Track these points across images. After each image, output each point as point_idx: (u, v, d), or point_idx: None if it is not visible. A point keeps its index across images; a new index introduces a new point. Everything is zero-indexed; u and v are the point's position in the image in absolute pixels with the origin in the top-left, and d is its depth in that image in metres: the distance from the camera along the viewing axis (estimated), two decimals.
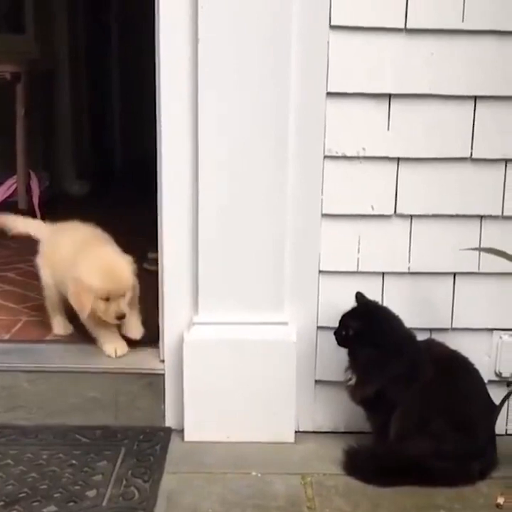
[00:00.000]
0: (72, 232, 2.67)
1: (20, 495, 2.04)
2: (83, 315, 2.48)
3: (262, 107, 2.20)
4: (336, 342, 2.23)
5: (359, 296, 2.23)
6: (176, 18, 2.18)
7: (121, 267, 2.49)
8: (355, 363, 2.23)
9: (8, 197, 4.31)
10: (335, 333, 2.24)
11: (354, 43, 2.19)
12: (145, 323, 2.58)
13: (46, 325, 2.72)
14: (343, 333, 2.21)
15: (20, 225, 2.79)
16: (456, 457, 2.11)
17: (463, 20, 2.17)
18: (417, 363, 2.18)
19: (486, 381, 2.26)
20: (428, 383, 2.16)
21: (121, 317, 2.46)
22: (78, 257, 2.50)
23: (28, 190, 4.30)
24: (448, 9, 2.17)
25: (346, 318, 2.22)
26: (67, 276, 2.50)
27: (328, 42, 2.18)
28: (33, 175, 4.34)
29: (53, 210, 4.21)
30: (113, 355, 2.50)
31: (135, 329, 2.57)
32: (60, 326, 2.70)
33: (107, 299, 2.44)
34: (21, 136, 4.25)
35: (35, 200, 4.28)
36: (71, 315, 2.63)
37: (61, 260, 2.58)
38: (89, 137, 5.25)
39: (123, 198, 4.63)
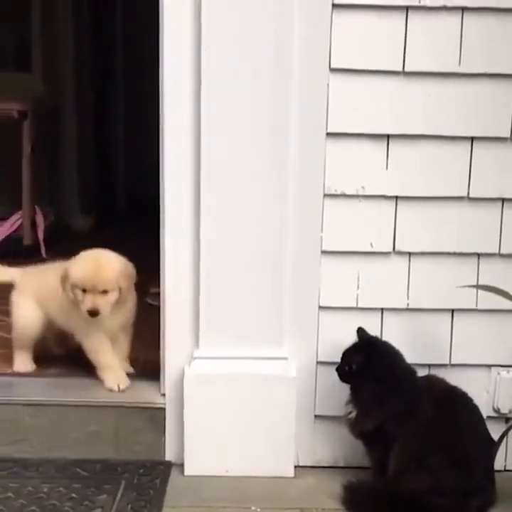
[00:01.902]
0: (50, 265, 2.70)
1: None
2: (67, 303, 2.49)
3: (264, 147, 2.24)
4: (338, 377, 2.25)
5: (360, 332, 2.26)
6: (179, 62, 2.24)
7: (106, 263, 2.49)
8: (356, 397, 2.24)
9: (13, 232, 4.34)
10: (337, 369, 2.25)
11: (353, 85, 2.24)
12: (145, 356, 2.60)
13: (44, 358, 2.72)
14: (346, 368, 2.23)
15: None
16: (455, 493, 2.11)
17: (459, 64, 2.22)
18: (417, 399, 2.19)
19: (484, 417, 2.28)
20: (427, 419, 2.17)
21: (93, 312, 2.43)
22: None
23: (33, 225, 4.34)
24: (445, 53, 2.22)
25: (349, 353, 2.24)
26: (54, 304, 2.56)
27: (327, 84, 2.23)
28: (38, 210, 4.38)
29: (58, 245, 4.25)
30: (115, 389, 2.51)
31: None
32: (23, 362, 2.68)
33: (84, 291, 2.44)
34: (27, 173, 4.29)
35: (40, 236, 4.31)
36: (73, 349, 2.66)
37: (49, 291, 2.60)
38: (93, 173, 5.30)
39: (126, 233, 4.66)
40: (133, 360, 2.68)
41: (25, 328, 2.67)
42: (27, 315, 2.65)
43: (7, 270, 2.76)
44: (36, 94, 4.55)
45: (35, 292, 2.66)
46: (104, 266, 2.48)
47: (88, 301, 2.44)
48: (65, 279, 2.48)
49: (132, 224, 4.94)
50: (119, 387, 2.51)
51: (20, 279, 2.70)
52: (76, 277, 2.46)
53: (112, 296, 2.47)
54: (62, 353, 2.74)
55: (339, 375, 2.25)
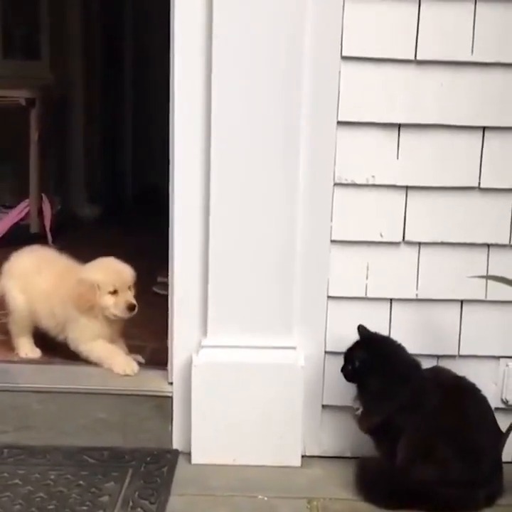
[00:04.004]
0: (42, 252, 2.72)
1: None
2: (93, 312, 2.50)
3: (274, 135, 2.24)
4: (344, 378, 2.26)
5: (361, 329, 2.26)
6: (190, 46, 2.22)
7: (119, 262, 2.57)
8: (362, 394, 2.25)
9: (21, 220, 4.34)
10: (342, 370, 2.26)
11: (365, 74, 2.23)
12: (153, 345, 2.60)
13: (50, 346, 2.72)
14: (350, 367, 2.24)
15: None
16: (462, 484, 2.11)
17: (472, 53, 2.21)
18: (423, 391, 2.19)
19: (492, 408, 2.27)
20: (434, 410, 2.17)
21: (132, 308, 2.50)
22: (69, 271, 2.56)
23: (40, 213, 4.34)
24: (457, 42, 2.21)
25: (351, 351, 2.25)
26: (46, 295, 2.57)
27: (339, 72, 2.22)
28: (45, 198, 4.38)
29: (64, 233, 4.26)
30: (128, 372, 2.51)
31: None
32: (28, 348, 2.68)
33: (115, 292, 2.49)
34: (34, 161, 4.29)
35: (47, 224, 4.31)
36: None
37: (38, 281, 2.61)
38: (101, 162, 5.30)
39: (133, 223, 4.67)
40: (141, 348, 2.68)
41: (19, 312, 2.66)
42: (18, 297, 2.65)
43: None
44: (44, 82, 4.55)
45: (23, 282, 2.65)
46: (121, 265, 2.57)
47: (122, 299, 2.50)
48: (93, 289, 2.49)
49: (139, 213, 4.95)
50: (129, 372, 2.51)
51: (10, 262, 2.70)
52: (106, 280, 2.50)
53: (133, 291, 2.55)
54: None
55: (345, 375, 2.26)
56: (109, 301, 2.51)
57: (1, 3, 4.77)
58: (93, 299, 2.50)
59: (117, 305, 2.51)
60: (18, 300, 2.65)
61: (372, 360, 2.21)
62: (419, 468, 2.14)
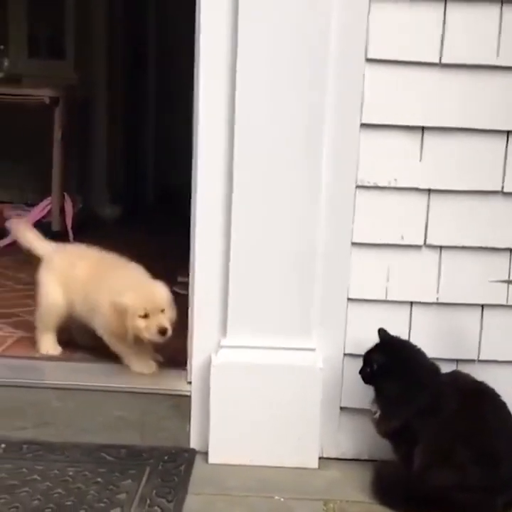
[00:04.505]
0: (87, 253, 2.71)
1: (46, 510, 2.05)
2: (127, 338, 2.49)
3: (298, 136, 2.24)
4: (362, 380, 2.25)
5: (382, 332, 2.25)
6: (215, 47, 2.22)
7: (153, 283, 2.53)
8: (380, 398, 2.24)
9: (42, 218, 4.38)
10: (360, 372, 2.25)
11: (389, 76, 2.22)
12: (172, 344, 2.60)
13: (70, 343, 2.74)
14: (368, 369, 2.23)
15: (29, 240, 2.77)
16: (481, 490, 2.10)
17: (497, 56, 2.20)
18: (441, 396, 2.18)
19: None
20: (453, 414, 2.16)
21: (163, 331, 2.46)
22: (106, 279, 2.53)
23: (62, 212, 4.37)
24: (483, 45, 2.20)
25: (370, 354, 2.24)
26: (87, 297, 2.56)
27: (363, 74, 2.22)
28: (67, 197, 4.42)
29: (85, 232, 4.28)
30: (145, 371, 2.52)
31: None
32: (50, 345, 2.70)
33: (146, 316, 2.45)
34: (57, 159, 4.33)
35: (69, 222, 4.35)
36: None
37: (79, 280, 2.61)
38: (123, 162, 5.33)
39: (154, 223, 4.70)
40: (160, 347, 2.68)
41: (50, 310, 2.68)
42: (52, 293, 2.66)
43: (43, 244, 2.77)
44: (68, 82, 4.59)
45: (62, 276, 2.67)
46: (154, 285, 2.52)
47: (154, 325, 2.45)
48: (123, 312, 2.46)
49: (160, 214, 4.98)
50: (147, 371, 2.52)
51: (51, 257, 2.71)
52: (136, 305, 2.45)
53: (169, 313, 2.51)
54: (86, 344, 2.74)
55: (362, 377, 2.25)
56: (140, 324, 2.47)
57: (27, 4, 4.82)
58: (124, 323, 2.46)
59: (149, 329, 2.47)
60: (54, 294, 2.66)
61: (391, 364, 2.20)
62: (437, 473, 2.12)
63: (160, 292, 2.51)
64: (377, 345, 2.24)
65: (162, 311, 2.49)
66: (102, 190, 5.09)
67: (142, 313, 2.46)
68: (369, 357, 2.24)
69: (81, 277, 2.61)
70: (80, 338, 2.77)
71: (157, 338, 2.49)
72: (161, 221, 4.64)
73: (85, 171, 5.00)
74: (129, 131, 5.39)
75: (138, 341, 2.52)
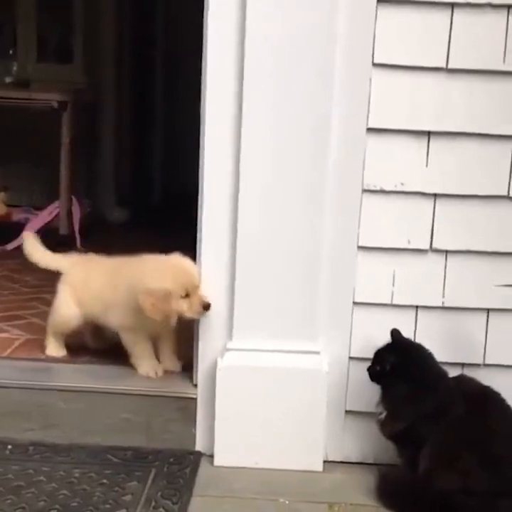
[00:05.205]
0: (101, 262, 2.70)
1: (52, 511, 2.06)
2: (171, 322, 2.44)
3: (304, 141, 2.25)
4: (368, 377, 2.25)
5: (395, 333, 2.25)
6: (222, 53, 2.24)
7: (183, 261, 2.46)
8: (387, 398, 2.24)
9: (50, 222, 4.40)
10: (369, 369, 2.25)
11: (396, 81, 2.23)
12: (179, 348, 2.62)
13: (77, 346, 2.75)
14: (378, 368, 2.23)
15: (43, 259, 2.77)
16: (485, 494, 2.09)
17: (504, 62, 2.21)
18: (448, 400, 2.18)
19: None
20: (458, 419, 2.15)
21: (207, 307, 2.38)
22: (128, 271, 2.51)
23: (70, 216, 4.39)
24: (489, 51, 2.21)
25: (382, 353, 2.23)
26: (101, 302, 2.56)
27: (370, 79, 2.23)
28: (74, 201, 4.43)
29: (93, 235, 4.30)
30: (153, 375, 2.53)
31: (173, 363, 2.61)
32: (55, 348, 2.71)
33: (187, 295, 2.41)
34: (65, 163, 4.35)
35: (76, 226, 4.37)
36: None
37: (95, 290, 2.61)
38: (130, 166, 5.35)
39: (161, 226, 4.70)
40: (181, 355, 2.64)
41: (62, 322, 2.69)
42: (65, 310, 2.67)
43: (56, 258, 2.76)
44: (77, 86, 4.61)
45: (78, 287, 2.67)
46: (188, 264, 2.45)
47: (196, 301, 2.39)
48: (165, 298, 2.39)
49: (168, 217, 4.98)
50: (152, 374, 2.53)
51: (68, 270, 2.71)
52: (177, 286, 2.40)
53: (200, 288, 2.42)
54: (97, 347, 2.75)
55: (370, 374, 2.25)
56: (183, 305, 2.41)
57: (36, 8, 4.84)
58: (169, 308, 2.41)
59: (191, 308, 2.40)
60: (68, 309, 2.66)
61: (402, 365, 2.20)
62: (442, 478, 2.12)
63: (194, 269, 2.42)
64: (389, 345, 2.24)
65: (198, 287, 2.42)
66: (109, 194, 5.11)
67: (184, 294, 2.41)
68: (380, 356, 2.23)
69: (97, 287, 2.61)
70: (92, 342, 2.77)
71: (202, 315, 2.40)
72: (169, 224, 4.65)
73: (93, 175, 5.01)
74: (136, 134, 5.41)
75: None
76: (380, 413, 2.25)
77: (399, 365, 2.20)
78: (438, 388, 2.19)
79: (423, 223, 2.31)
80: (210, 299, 2.38)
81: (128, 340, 2.56)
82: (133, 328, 2.53)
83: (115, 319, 2.56)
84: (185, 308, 2.41)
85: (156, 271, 2.45)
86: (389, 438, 2.26)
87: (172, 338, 2.61)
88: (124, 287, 2.49)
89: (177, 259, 2.48)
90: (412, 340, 2.29)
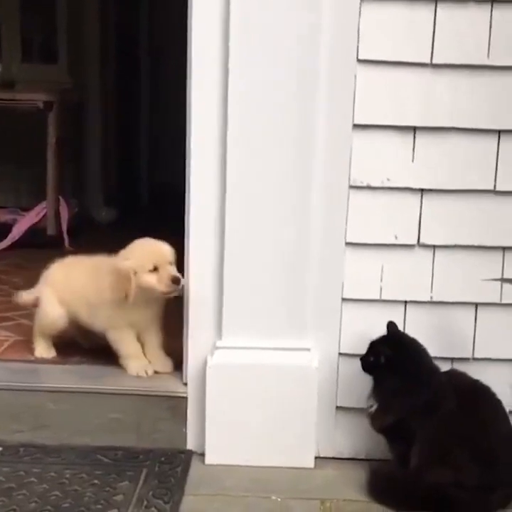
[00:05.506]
0: (81, 260, 2.70)
1: None
2: (129, 299, 2.44)
3: (290, 137, 2.25)
4: (360, 367, 2.25)
5: (391, 325, 2.25)
6: (207, 50, 2.23)
7: (156, 241, 2.50)
8: (379, 390, 2.24)
9: (37, 223, 4.38)
10: (362, 359, 2.25)
11: (381, 77, 2.23)
12: (168, 347, 2.61)
13: (67, 346, 2.74)
14: (372, 359, 2.23)
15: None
16: (477, 488, 2.10)
17: (488, 56, 2.21)
18: (440, 395, 2.19)
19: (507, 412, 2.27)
20: (449, 413, 2.16)
21: (176, 281, 2.40)
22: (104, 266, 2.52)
23: (57, 216, 4.37)
24: (473, 45, 2.21)
25: (378, 344, 2.24)
26: (81, 294, 2.56)
27: (355, 75, 2.23)
28: (62, 201, 4.42)
29: (81, 235, 4.29)
30: (141, 375, 2.52)
31: (163, 362, 2.59)
32: (44, 349, 2.70)
33: (155, 269, 2.42)
34: (52, 164, 4.33)
35: (64, 226, 4.35)
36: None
37: (78, 288, 2.61)
38: (117, 165, 5.34)
39: (149, 226, 4.68)
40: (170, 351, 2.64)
41: (48, 324, 2.68)
42: (52, 311, 2.66)
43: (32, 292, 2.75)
44: (62, 86, 4.59)
45: (60, 288, 2.66)
46: (157, 242, 2.49)
47: (165, 275, 2.41)
48: (127, 277, 2.41)
49: (155, 216, 4.97)
50: (142, 374, 2.52)
51: (49, 273, 2.70)
52: (141, 262, 2.42)
53: (173, 266, 2.45)
54: (89, 346, 2.74)
55: (363, 365, 2.25)
56: (151, 280, 2.43)
57: (20, 8, 4.82)
58: (128, 287, 2.43)
59: (161, 281, 2.41)
60: (56, 312, 2.65)
61: (397, 359, 2.20)
62: (434, 472, 2.13)
63: (165, 247, 2.47)
64: (384, 337, 2.24)
65: (170, 263, 2.44)
66: (96, 193, 5.09)
67: (151, 267, 2.42)
68: (375, 347, 2.23)
69: (79, 285, 2.61)
70: (83, 340, 2.77)
71: (171, 289, 2.42)
72: (157, 224, 4.63)
73: (80, 175, 5.00)
74: (122, 134, 5.40)
75: (135, 310, 2.48)
76: (371, 406, 2.25)
77: (393, 358, 2.20)
78: (431, 383, 2.20)
79: (410, 218, 2.31)
80: (179, 275, 2.40)
81: (115, 340, 2.55)
82: (118, 327, 2.53)
83: (99, 320, 2.56)
84: (155, 281, 2.42)
85: (125, 251, 2.50)
86: (379, 431, 2.27)
87: (160, 337, 2.60)
88: (106, 285, 2.49)
89: (146, 239, 2.52)
90: (408, 334, 2.29)
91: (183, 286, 2.41)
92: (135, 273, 2.44)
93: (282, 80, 2.22)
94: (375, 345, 2.24)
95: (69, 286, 2.64)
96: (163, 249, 2.47)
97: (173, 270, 2.43)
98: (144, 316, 2.54)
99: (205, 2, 2.22)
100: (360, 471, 2.30)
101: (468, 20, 2.20)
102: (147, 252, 2.46)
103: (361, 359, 2.25)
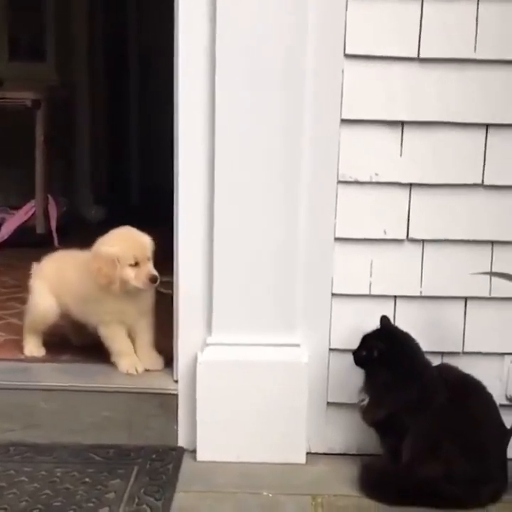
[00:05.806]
0: (72, 254, 2.69)
1: (34, 511, 2.05)
2: (113, 287, 2.44)
3: (277, 133, 2.25)
4: (352, 362, 2.25)
5: (384, 320, 2.26)
6: (194, 47, 2.23)
7: (138, 232, 2.50)
8: (371, 384, 2.24)
9: (26, 221, 4.37)
10: (355, 353, 2.25)
11: (368, 71, 2.23)
12: (159, 344, 2.61)
13: (57, 344, 2.74)
14: (364, 353, 2.23)
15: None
16: (467, 481, 2.11)
17: (475, 50, 2.21)
18: (431, 389, 2.19)
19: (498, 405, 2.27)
20: (440, 407, 2.17)
21: (154, 279, 2.42)
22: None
23: (46, 214, 4.36)
24: (460, 39, 2.21)
25: (371, 338, 2.24)
26: (72, 286, 2.56)
27: (342, 70, 2.23)
28: (51, 199, 4.41)
29: (70, 234, 4.27)
30: (131, 372, 2.52)
31: (154, 360, 2.59)
32: (34, 347, 2.69)
33: (136, 264, 2.43)
34: (40, 162, 4.32)
35: (53, 225, 4.34)
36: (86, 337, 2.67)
37: (68, 282, 2.60)
38: (106, 163, 5.33)
39: (138, 223, 4.68)
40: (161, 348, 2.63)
41: (39, 316, 2.67)
42: (42, 302, 2.65)
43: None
44: (50, 84, 4.58)
45: (52, 281, 2.66)
46: (140, 234, 2.49)
47: (143, 272, 2.42)
48: (112, 263, 2.41)
49: (144, 214, 4.96)
50: (132, 371, 2.52)
51: (39, 266, 2.70)
52: (125, 253, 2.42)
53: (151, 262, 2.46)
54: (80, 344, 2.73)
55: (355, 358, 2.25)
56: (130, 274, 2.43)
57: (7, 6, 4.80)
58: (113, 273, 2.42)
59: (139, 278, 2.42)
60: (46, 303, 2.64)
61: (390, 353, 2.20)
62: (425, 466, 2.13)
63: (145, 240, 2.47)
64: (379, 331, 2.25)
65: (148, 259, 2.45)
66: (86, 192, 5.08)
67: (133, 262, 2.43)
68: (368, 341, 2.23)
69: (69, 278, 2.61)
70: (74, 338, 2.76)
71: (147, 287, 2.44)
72: (146, 222, 4.62)
73: (69, 173, 4.99)
74: (112, 132, 5.39)
75: (124, 301, 2.49)
76: (363, 400, 2.25)
77: (386, 352, 2.20)
78: (423, 377, 2.20)
79: (399, 213, 2.31)
80: (157, 273, 2.43)
81: (106, 336, 2.55)
82: (108, 321, 2.52)
83: (89, 314, 2.56)
84: (133, 276, 2.43)
85: (108, 237, 2.49)
86: (371, 425, 2.27)
87: (151, 335, 2.60)
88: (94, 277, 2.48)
89: (128, 229, 2.51)
90: (400, 328, 2.29)
91: (158, 282, 2.43)
92: (119, 261, 2.43)
93: (269, 75, 2.22)
94: (368, 339, 2.24)
95: (60, 279, 2.64)
96: (145, 243, 2.47)
97: (152, 268, 2.44)
98: (130, 310, 2.52)
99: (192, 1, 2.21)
100: (351, 466, 2.30)
101: (455, 14, 2.20)
102: (129, 244, 2.45)
103: (354, 353, 2.25)
